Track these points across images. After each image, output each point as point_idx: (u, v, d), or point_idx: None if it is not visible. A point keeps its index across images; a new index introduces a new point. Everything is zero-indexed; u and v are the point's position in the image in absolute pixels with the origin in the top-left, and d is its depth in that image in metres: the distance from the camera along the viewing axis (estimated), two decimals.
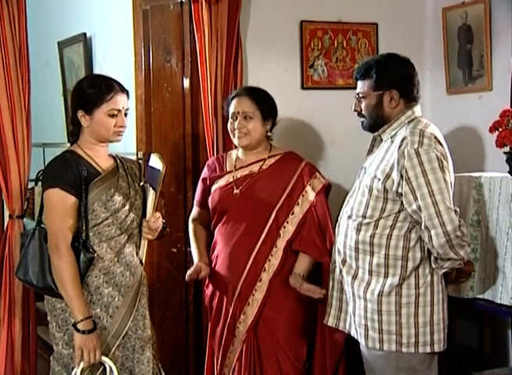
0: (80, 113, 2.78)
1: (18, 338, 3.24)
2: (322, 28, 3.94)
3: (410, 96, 2.85)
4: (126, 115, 2.82)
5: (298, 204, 3.16)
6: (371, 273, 2.80)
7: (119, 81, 2.82)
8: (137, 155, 3.77)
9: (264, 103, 3.21)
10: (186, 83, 3.76)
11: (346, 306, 2.93)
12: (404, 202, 2.71)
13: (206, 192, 3.29)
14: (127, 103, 2.83)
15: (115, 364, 2.74)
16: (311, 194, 3.18)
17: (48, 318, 2.81)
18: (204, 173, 3.35)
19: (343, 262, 2.90)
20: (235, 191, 3.19)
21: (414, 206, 2.67)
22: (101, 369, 2.73)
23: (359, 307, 2.84)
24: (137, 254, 2.87)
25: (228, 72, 3.60)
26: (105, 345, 2.74)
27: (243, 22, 3.72)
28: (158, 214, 2.86)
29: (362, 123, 2.91)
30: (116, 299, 2.77)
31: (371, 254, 2.79)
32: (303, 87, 3.94)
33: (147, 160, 2.94)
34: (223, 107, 3.46)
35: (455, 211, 2.66)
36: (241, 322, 3.14)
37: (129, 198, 2.81)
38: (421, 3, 4.15)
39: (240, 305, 3.13)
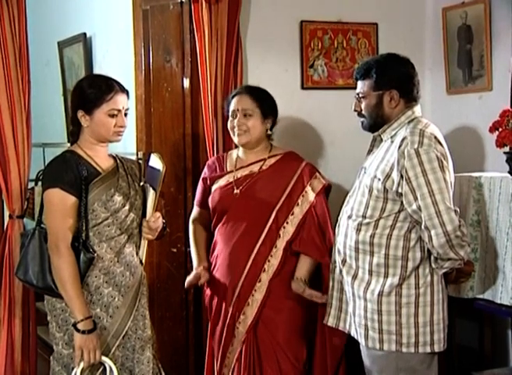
0: (80, 113, 2.78)
1: (18, 338, 3.24)
2: (322, 28, 3.94)
3: (410, 96, 2.85)
4: (126, 115, 2.82)
5: (298, 204, 3.16)
6: (371, 273, 2.80)
7: (118, 81, 2.82)
8: (137, 155, 3.77)
9: (264, 101, 3.21)
10: (186, 83, 3.76)
11: (346, 306, 2.93)
12: (404, 202, 2.71)
13: (206, 192, 3.29)
14: (127, 103, 2.83)
15: (115, 364, 2.74)
16: (310, 195, 3.18)
17: (48, 318, 2.81)
18: (205, 172, 3.35)
19: (343, 262, 2.89)
20: (235, 191, 3.19)
21: (414, 206, 2.67)
22: (101, 369, 2.73)
23: (359, 307, 2.84)
24: (137, 254, 2.87)
25: (228, 72, 3.60)
26: (105, 345, 2.74)
27: (243, 22, 3.72)
28: (158, 214, 2.86)
29: (362, 123, 2.91)
30: (116, 299, 2.77)
31: (371, 254, 2.79)
32: (303, 87, 3.94)
33: (147, 160, 2.94)
34: (223, 107, 3.47)
35: (455, 211, 2.66)
36: (241, 322, 3.13)
37: (129, 198, 2.81)
38: (421, 3, 4.15)
39: (239, 305, 3.13)
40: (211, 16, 3.54)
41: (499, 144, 3.15)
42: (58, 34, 5.46)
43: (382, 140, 2.89)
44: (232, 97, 3.26)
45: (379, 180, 2.75)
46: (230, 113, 3.24)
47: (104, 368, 2.73)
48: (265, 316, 3.13)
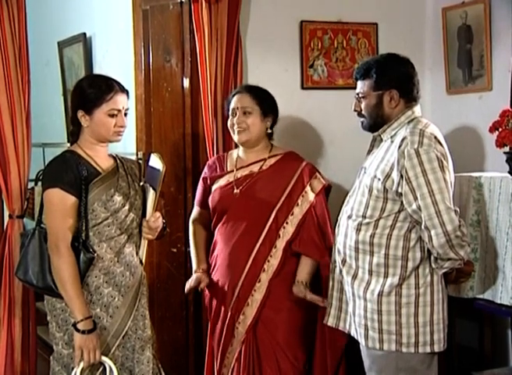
0: (79, 113, 2.78)
1: (18, 338, 3.24)
2: (322, 28, 3.94)
3: (410, 96, 2.85)
4: (125, 115, 2.82)
5: (298, 204, 3.16)
6: (371, 272, 2.80)
7: (118, 81, 2.82)
8: (137, 155, 3.77)
9: (264, 99, 3.22)
10: (186, 83, 3.77)
11: (346, 306, 2.93)
12: (404, 202, 2.71)
13: (206, 192, 3.29)
14: (127, 103, 2.83)
15: (115, 364, 2.74)
16: (310, 195, 3.18)
17: (48, 318, 2.81)
18: (205, 172, 3.36)
19: (343, 262, 2.89)
20: (235, 191, 3.19)
21: (414, 206, 2.67)
22: (100, 369, 2.73)
23: (359, 307, 2.84)
24: (137, 254, 2.87)
25: (228, 72, 3.60)
26: (105, 345, 2.74)
27: (243, 22, 3.72)
28: (157, 214, 2.86)
29: (362, 123, 2.91)
30: (116, 299, 2.77)
31: (371, 254, 2.79)
32: (303, 87, 3.94)
33: (147, 160, 2.94)
34: (223, 107, 3.47)
35: (455, 211, 2.66)
36: (240, 322, 3.13)
37: (129, 197, 2.81)
38: (421, 3, 4.15)
39: (239, 305, 3.13)
40: (211, 15, 3.54)
41: (499, 144, 3.15)
42: (58, 34, 5.45)
43: (381, 140, 2.88)
44: (233, 96, 3.27)
45: (379, 179, 2.75)
46: (230, 112, 3.24)
47: (104, 368, 2.73)
48: (265, 316, 3.13)
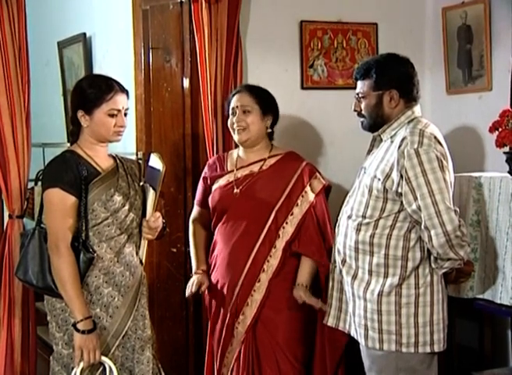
0: (79, 113, 2.78)
1: (18, 338, 3.24)
2: (322, 28, 3.94)
3: (409, 96, 2.85)
4: (125, 115, 2.82)
5: (297, 205, 3.16)
6: (370, 273, 2.80)
7: (118, 81, 2.83)
8: (137, 155, 3.77)
9: (263, 98, 3.22)
10: (186, 83, 3.77)
11: (346, 306, 2.93)
12: (404, 202, 2.70)
13: (207, 191, 3.29)
14: (127, 103, 2.83)
15: (114, 364, 2.74)
16: (310, 195, 3.18)
17: (48, 318, 2.81)
18: (205, 172, 3.36)
19: (343, 262, 2.89)
20: (235, 191, 3.19)
21: (414, 206, 2.67)
22: (100, 369, 2.73)
23: (359, 307, 2.84)
24: (137, 254, 2.87)
25: (228, 72, 3.60)
26: (105, 345, 2.74)
27: (243, 22, 3.72)
28: (157, 214, 2.86)
29: (362, 123, 2.91)
30: (116, 299, 2.77)
31: (371, 254, 2.79)
32: (303, 87, 3.94)
33: (147, 160, 2.94)
34: (223, 107, 3.47)
35: (455, 211, 2.66)
36: (240, 322, 3.13)
37: (128, 197, 2.81)
38: (421, 3, 4.15)
39: (238, 305, 3.13)
40: (211, 15, 3.54)
41: (499, 144, 3.15)
42: (58, 34, 5.45)
43: (381, 140, 2.88)
44: (233, 95, 3.27)
45: (379, 180, 2.75)
46: (230, 111, 3.25)
47: (104, 368, 2.73)
48: (265, 317, 3.13)
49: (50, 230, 2.72)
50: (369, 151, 2.96)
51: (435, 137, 2.72)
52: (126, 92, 2.84)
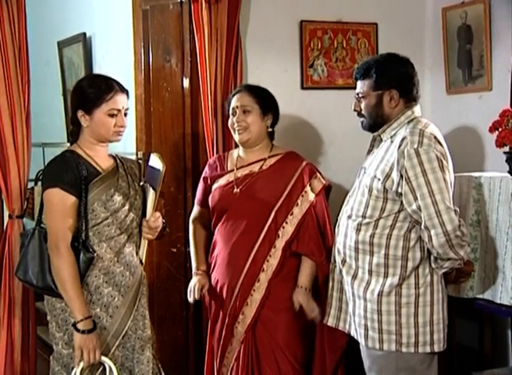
0: (79, 113, 2.78)
1: (18, 338, 3.24)
2: (322, 28, 3.94)
3: (409, 96, 2.85)
4: (125, 115, 2.82)
5: (297, 205, 3.15)
6: (370, 272, 2.80)
7: (118, 81, 2.83)
8: (137, 154, 3.77)
9: (263, 97, 3.22)
10: (186, 83, 3.76)
11: (346, 306, 2.93)
12: (404, 202, 2.70)
13: (207, 191, 3.29)
14: (127, 103, 2.83)
15: (114, 364, 2.74)
16: (310, 195, 3.17)
17: (48, 318, 2.81)
18: (206, 171, 3.36)
19: (343, 262, 2.89)
20: (235, 191, 3.19)
21: (414, 206, 2.67)
22: (100, 369, 2.73)
23: (359, 307, 2.84)
24: (137, 254, 2.87)
25: (228, 72, 3.60)
26: (105, 345, 2.74)
27: (243, 22, 3.72)
28: (157, 214, 2.86)
29: (362, 122, 2.91)
30: (116, 299, 2.77)
31: (371, 254, 2.79)
32: (302, 87, 3.94)
33: (147, 160, 2.94)
34: (223, 106, 3.47)
35: (455, 211, 2.66)
36: (239, 322, 3.13)
37: (128, 197, 2.81)
38: (421, 3, 4.15)
39: (238, 305, 3.12)
40: (211, 15, 3.54)
41: (499, 144, 3.15)
42: (58, 34, 5.45)
43: (381, 140, 2.88)
44: (233, 96, 3.27)
45: (379, 179, 2.75)
46: (230, 111, 3.25)
47: (104, 368, 2.73)
48: (264, 317, 3.12)
49: (50, 230, 2.72)
50: (369, 151, 2.96)
51: (435, 137, 2.72)
52: (126, 92, 2.84)
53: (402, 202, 2.72)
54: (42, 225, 2.81)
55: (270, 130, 3.26)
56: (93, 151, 2.81)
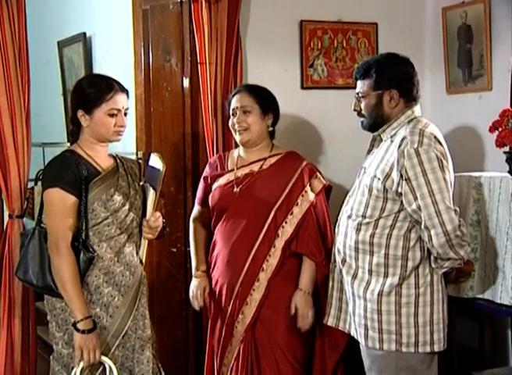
0: (79, 113, 2.78)
1: (18, 338, 3.24)
2: (322, 28, 3.94)
3: (409, 96, 2.85)
4: (125, 114, 2.83)
5: (297, 204, 3.15)
6: (370, 272, 2.80)
7: (118, 81, 2.83)
8: (137, 154, 3.77)
9: (263, 97, 3.22)
10: (186, 83, 3.76)
11: (346, 306, 2.93)
12: (404, 202, 2.71)
13: (207, 190, 3.29)
14: (127, 103, 2.84)
15: (114, 364, 2.74)
16: (310, 195, 3.17)
17: (48, 318, 2.81)
18: (206, 171, 3.36)
19: (343, 261, 2.89)
20: (235, 190, 3.19)
21: (414, 206, 2.67)
22: (100, 369, 2.74)
23: (359, 307, 2.84)
24: (137, 253, 2.87)
25: (228, 72, 3.60)
26: (105, 345, 2.74)
27: (243, 21, 3.72)
28: (158, 213, 2.86)
29: (362, 122, 2.91)
30: (116, 299, 2.77)
31: (371, 253, 2.79)
32: (302, 87, 3.94)
33: (147, 160, 2.94)
34: (223, 106, 3.47)
35: (455, 210, 2.66)
36: (239, 321, 3.13)
37: (129, 197, 2.81)
38: (421, 3, 4.15)
39: (238, 304, 3.12)
40: (211, 15, 3.53)
41: (499, 143, 3.15)
42: (58, 34, 5.45)
43: (381, 139, 2.88)
44: (233, 96, 3.27)
45: (379, 179, 2.75)
46: (231, 112, 3.25)
47: (104, 368, 2.73)
48: (264, 316, 3.12)
49: (50, 229, 2.72)
50: (369, 151, 2.96)
51: (435, 137, 2.72)
52: (126, 92, 2.84)
53: (402, 202, 2.72)
54: (42, 225, 2.81)
55: (271, 129, 3.26)
56: (93, 151, 2.81)
